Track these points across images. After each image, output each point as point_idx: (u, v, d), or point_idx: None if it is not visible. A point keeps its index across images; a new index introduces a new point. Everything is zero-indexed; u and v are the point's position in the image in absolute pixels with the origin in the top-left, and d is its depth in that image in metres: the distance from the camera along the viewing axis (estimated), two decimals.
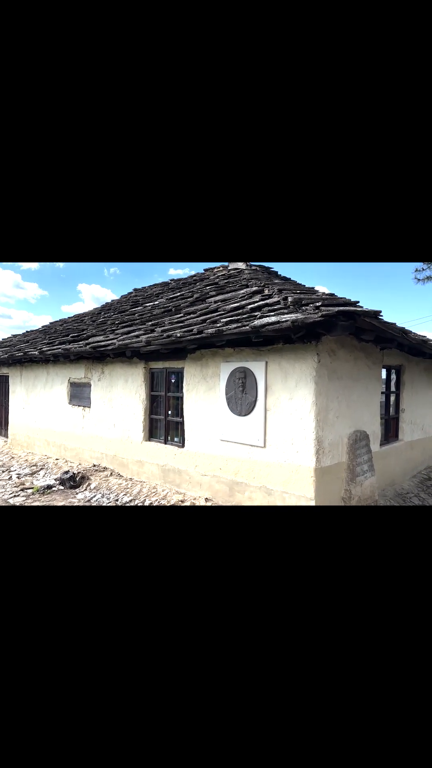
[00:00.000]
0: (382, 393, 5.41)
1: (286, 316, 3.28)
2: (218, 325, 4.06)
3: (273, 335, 3.54)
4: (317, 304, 3.24)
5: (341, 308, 2.96)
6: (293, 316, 3.18)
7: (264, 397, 4.12)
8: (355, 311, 2.97)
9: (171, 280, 9.75)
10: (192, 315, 5.35)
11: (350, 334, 3.80)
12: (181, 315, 5.64)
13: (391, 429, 5.79)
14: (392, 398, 5.73)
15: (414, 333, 4.44)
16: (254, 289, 5.47)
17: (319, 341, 3.72)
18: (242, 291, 5.73)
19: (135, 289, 10.45)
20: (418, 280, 7.28)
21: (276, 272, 7.81)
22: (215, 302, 5.66)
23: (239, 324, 3.75)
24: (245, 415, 4.28)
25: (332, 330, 3.13)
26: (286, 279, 7.58)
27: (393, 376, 5.74)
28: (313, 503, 3.71)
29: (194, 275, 9.16)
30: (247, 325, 3.58)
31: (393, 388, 5.76)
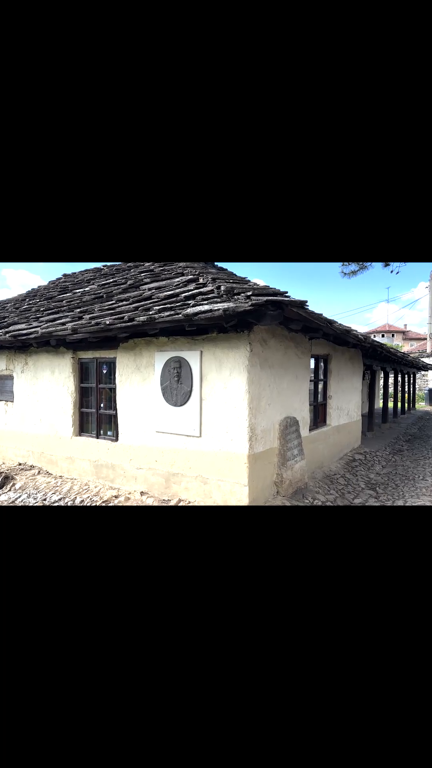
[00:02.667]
0: (311, 381, 5.70)
1: (218, 305, 3.26)
2: (151, 312, 3.92)
3: (206, 324, 3.51)
4: (248, 293, 3.26)
5: (270, 298, 3.02)
6: (225, 305, 3.17)
7: (199, 386, 4.09)
8: (283, 301, 3.05)
9: (104, 266, 9.23)
10: (124, 302, 5.11)
11: (280, 324, 3.91)
12: (113, 302, 5.37)
13: (319, 415, 6.15)
14: (320, 386, 6.07)
15: (339, 323, 4.72)
16: (189, 277, 5.38)
17: (251, 331, 3.78)
18: (177, 279, 5.60)
19: (64, 275, 9.73)
20: (345, 273, 7.75)
21: (212, 262, 7.79)
22: (149, 289, 5.47)
23: (172, 312, 3.66)
24: (181, 405, 4.22)
25: (262, 319, 3.19)
26: (221, 269, 7.59)
27: (321, 365, 6.08)
28: (246, 489, 3.79)
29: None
30: (180, 313, 3.50)
31: (321, 376, 6.10)
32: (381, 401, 11.25)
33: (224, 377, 3.93)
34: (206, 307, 3.32)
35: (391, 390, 15.54)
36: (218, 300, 3.64)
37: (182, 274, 5.86)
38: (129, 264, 8.53)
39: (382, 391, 12.40)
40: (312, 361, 5.72)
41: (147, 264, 7.72)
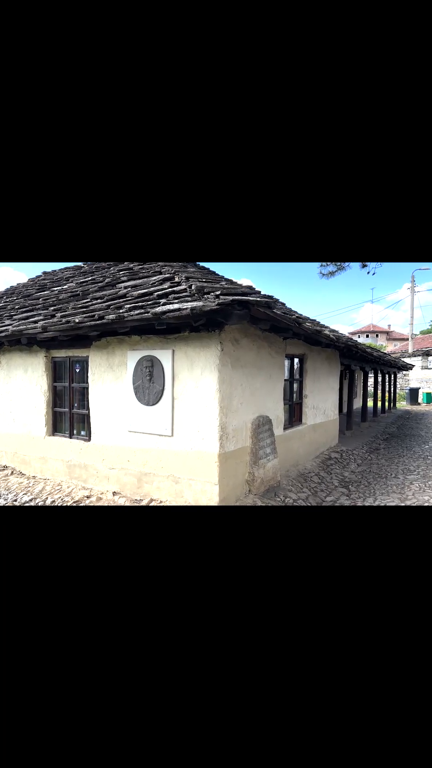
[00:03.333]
0: (286, 380, 5.75)
1: (187, 304, 3.26)
2: (121, 311, 3.89)
3: (175, 323, 3.50)
4: (217, 292, 3.27)
5: (236, 297, 3.03)
6: (193, 304, 3.17)
7: (171, 385, 4.08)
8: (249, 300, 3.06)
9: (85, 264, 9.13)
10: (99, 300, 5.06)
11: (251, 324, 3.94)
12: (88, 300, 5.31)
13: (295, 414, 6.21)
14: (296, 385, 6.13)
15: (310, 323, 4.77)
16: (165, 276, 5.36)
17: (223, 330, 3.79)
18: (154, 278, 5.58)
19: (44, 272, 9.59)
20: (323, 274, 7.84)
21: (194, 262, 7.76)
22: (125, 288, 5.43)
23: (142, 310, 3.64)
24: (153, 404, 4.21)
25: (229, 318, 3.20)
26: (203, 269, 7.57)
27: (297, 365, 6.14)
28: (216, 488, 3.80)
29: None
30: (149, 311, 3.48)
31: (297, 376, 6.16)
32: (363, 401, 11.44)
33: (196, 376, 3.93)
34: (175, 306, 3.32)
35: (371, 389, 15.79)
36: (189, 299, 3.64)
37: (160, 273, 5.83)
38: (110, 262, 8.46)
39: (361, 391, 12.60)
40: (287, 361, 5.77)
41: (126, 262, 7.67)
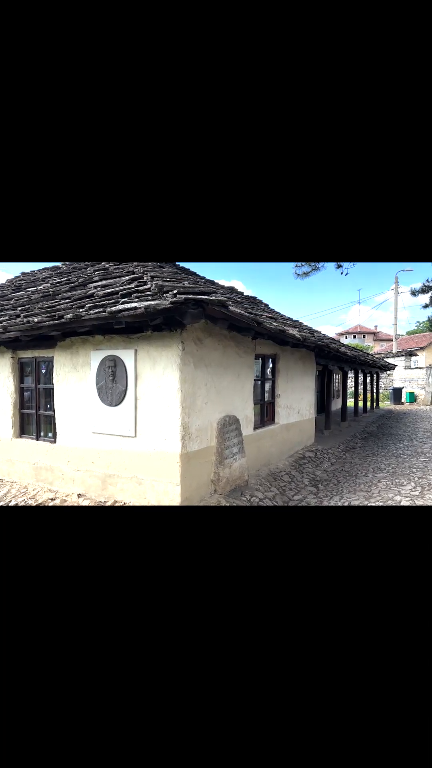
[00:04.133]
0: (257, 380, 5.76)
1: (142, 302, 3.23)
2: (81, 310, 3.85)
3: (132, 321, 3.47)
4: (174, 291, 3.25)
5: (189, 296, 3.02)
6: (146, 302, 3.15)
7: (134, 385, 4.05)
8: (203, 299, 3.05)
9: (64, 264, 9.04)
10: (66, 300, 5.00)
11: (212, 323, 3.92)
12: (56, 300, 5.24)
13: (268, 413, 6.22)
14: (268, 385, 6.15)
15: (275, 323, 4.78)
16: (136, 275, 5.33)
17: (184, 329, 3.77)
18: (125, 278, 5.54)
19: (23, 273, 9.47)
20: (298, 275, 7.90)
21: (174, 262, 7.74)
22: (95, 287, 5.38)
23: (100, 309, 3.60)
24: (116, 405, 4.17)
25: (184, 317, 3.18)
26: (183, 269, 7.54)
27: (269, 364, 6.16)
28: (178, 489, 3.78)
29: None
30: (106, 310, 3.45)
31: (269, 375, 6.18)
32: (348, 400, 11.53)
33: (158, 376, 3.91)
34: (131, 305, 3.29)
35: (352, 389, 15.96)
36: (150, 298, 3.61)
37: (132, 273, 5.80)
38: (87, 263, 8.38)
39: (341, 390, 12.71)
40: (258, 361, 5.78)
41: (104, 263, 7.61)
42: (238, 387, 4.94)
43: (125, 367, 4.08)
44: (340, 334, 54.58)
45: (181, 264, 8.16)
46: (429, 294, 9.42)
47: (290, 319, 12.24)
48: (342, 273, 8.00)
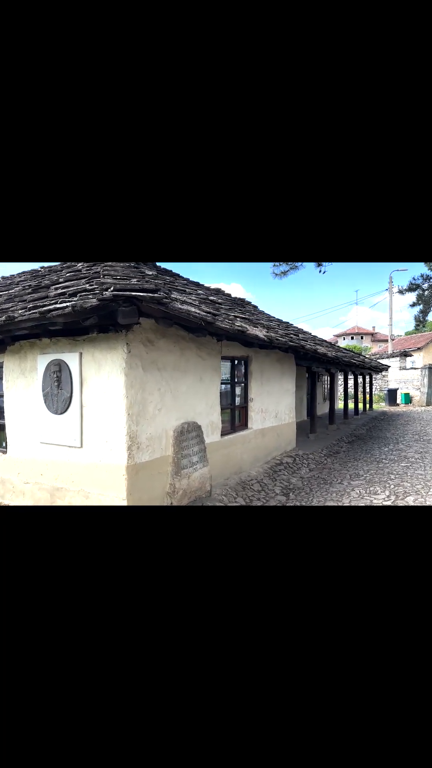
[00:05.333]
0: (226, 383, 5.48)
1: (71, 301, 2.96)
2: (17, 312, 3.58)
3: (64, 321, 3.20)
4: (110, 289, 2.98)
5: (119, 293, 2.74)
6: (74, 301, 2.88)
7: (80, 392, 3.77)
8: (135, 296, 2.78)
9: (42, 267, 8.83)
10: (22, 303, 4.75)
11: (164, 323, 3.65)
12: (12, 304, 4.99)
13: (241, 418, 5.93)
14: (240, 388, 5.87)
15: (235, 324, 4.49)
16: (94, 276, 5.07)
17: (130, 330, 3.50)
18: (84, 280, 5.29)
19: (2, 277, 9.28)
20: (276, 274, 7.65)
21: (155, 263, 7.48)
22: (56, 290, 5.12)
23: (34, 311, 3.33)
24: (61, 413, 3.88)
25: (116, 316, 2.91)
26: (165, 271, 7.25)
27: (241, 367, 5.88)
28: (125, 504, 3.48)
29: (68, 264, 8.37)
30: (38, 311, 3.18)
31: (241, 379, 5.90)
32: (331, 403, 11.23)
33: (103, 381, 3.63)
34: (60, 305, 3.02)
35: (345, 391, 15.68)
36: (90, 297, 3.34)
37: (98, 274, 5.54)
38: (65, 265, 8.14)
39: (327, 393, 12.43)
40: (227, 363, 5.50)
41: (79, 264, 7.36)
42: (202, 391, 4.65)
43: (70, 371, 3.81)
44: (338, 336, 54.38)
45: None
46: (416, 292, 9.15)
47: (279, 321, 12.02)
48: (320, 272, 7.73)
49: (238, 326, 4.25)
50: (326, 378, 13.66)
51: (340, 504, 4.43)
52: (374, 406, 18.84)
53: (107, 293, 2.73)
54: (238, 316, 6.06)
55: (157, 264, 7.58)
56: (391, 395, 19.31)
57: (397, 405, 19.12)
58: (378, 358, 23.21)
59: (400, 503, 4.26)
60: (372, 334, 54.87)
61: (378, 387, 22.52)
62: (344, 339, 52.50)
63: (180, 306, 3.29)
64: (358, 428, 11.09)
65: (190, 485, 4.16)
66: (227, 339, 4.81)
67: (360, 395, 14.20)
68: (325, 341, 13.80)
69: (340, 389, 19.37)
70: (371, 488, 4.96)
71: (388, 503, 4.30)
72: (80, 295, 3.39)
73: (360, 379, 15.55)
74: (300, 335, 9.86)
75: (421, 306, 8.83)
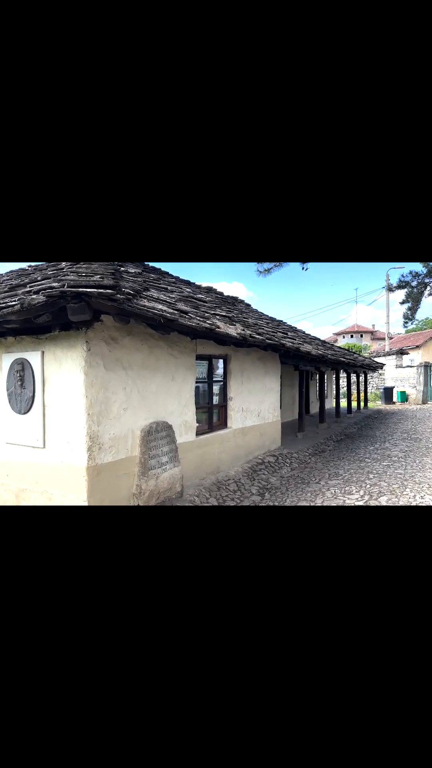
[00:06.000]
0: (204, 382, 5.40)
1: (20, 298, 2.88)
2: None
3: (15, 320, 3.12)
4: (64, 286, 2.90)
5: (68, 290, 2.66)
6: (22, 297, 2.80)
7: (42, 391, 3.69)
8: (85, 292, 2.70)
9: (29, 266, 8.75)
10: None
11: (129, 320, 3.57)
12: None
13: (220, 417, 5.85)
14: (218, 387, 5.78)
15: (203, 321, 4.40)
16: (65, 272, 4.99)
17: (91, 328, 3.42)
18: (56, 278, 5.21)
19: None
20: (260, 272, 7.57)
21: (144, 262, 7.40)
22: (27, 288, 5.05)
23: None
24: (25, 412, 3.81)
25: (66, 313, 2.83)
26: (153, 269, 7.15)
27: (218, 366, 5.79)
28: (86, 504, 3.41)
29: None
30: None
31: (220, 377, 5.81)
32: (321, 401, 11.13)
33: (64, 380, 3.55)
34: (11, 302, 2.94)
35: (337, 389, 15.55)
36: (37, 295, 3.26)
37: (75, 271, 5.47)
38: (51, 264, 8.07)
39: (318, 390, 12.33)
40: (205, 362, 5.42)
41: (63, 264, 7.28)
42: (174, 390, 4.57)
43: (32, 370, 3.73)
44: (338, 334, 54.19)
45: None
46: (405, 290, 9.03)
47: (271, 319, 11.91)
48: (303, 269, 7.63)
49: (208, 324, 4.16)
50: (314, 376, 13.55)
51: (313, 504, 4.35)
52: (371, 404, 18.73)
53: (55, 290, 2.65)
54: (218, 314, 5.97)
55: (147, 263, 7.50)
56: (388, 393, 19.17)
57: (393, 403, 18.98)
58: (374, 356, 23.06)
59: (373, 503, 4.17)
60: (372, 332, 54.62)
61: (375, 385, 22.37)
62: (344, 337, 52.29)
63: (139, 303, 3.21)
64: (349, 427, 10.99)
65: (158, 486, 4.08)
66: (200, 337, 4.72)
67: (355, 394, 14.10)
68: (318, 339, 13.68)
69: (344, 388, 19.23)
70: (347, 488, 4.86)
71: (361, 503, 4.21)
72: (34, 293, 3.32)
73: (355, 378, 15.43)
74: (290, 333, 9.76)
75: (410, 303, 8.72)
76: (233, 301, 11.85)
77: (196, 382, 5.23)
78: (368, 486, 4.89)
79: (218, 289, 8.96)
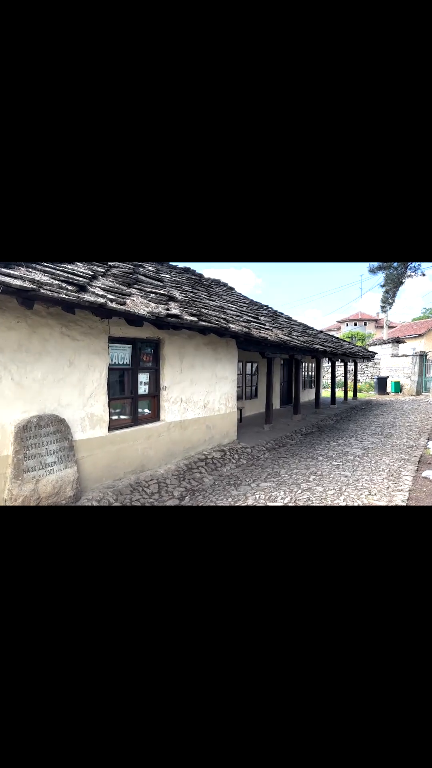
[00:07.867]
0: (127, 369, 4.76)
1: None
2: None
3: None
4: None
5: None
6: None
7: None
8: None
9: None
10: None
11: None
12: None
13: (152, 408, 5.23)
14: (146, 375, 5.14)
15: (94, 297, 3.71)
16: None
17: None
18: None
19: None
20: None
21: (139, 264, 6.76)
22: None
23: None
24: None
25: None
26: (141, 264, 6.49)
27: (147, 350, 5.14)
28: None
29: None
30: None
31: (150, 364, 5.16)
32: (296, 391, 10.43)
33: None
34: None
35: (317, 379, 14.87)
36: None
37: None
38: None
39: (293, 379, 11.63)
40: (127, 347, 4.77)
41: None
42: (73, 378, 3.94)
43: None
44: (341, 322, 53.03)
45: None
46: (384, 272, 8.22)
47: (251, 302, 11.22)
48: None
49: (97, 300, 3.48)
50: (306, 365, 12.79)
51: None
52: (362, 395, 17.94)
53: None
54: (163, 294, 5.28)
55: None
56: (381, 383, 18.35)
57: (387, 393, 18.17)
58: (371, 345, 22.12)
59: None
60: (375, 320, 53.33)
61: (369, 375, 21.52)
62: (347, 325, 51.11)
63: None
64: (326, 419, 10.31)
65: (38, 491, 3.48)
66: (103, 316, 4.05)
67: (332, 384, 13.34)
68: (303, 324, 12.88)
69: (339, 378, 18.38)
70: (275, 492, 4.22)
71: None
72: None
73: (344, 367, 14.66)
74: (260, 318, 9.03)
75: (389, 286, 7.92)
76: (215, 284, 11.13)
77: (115, 369, 4.60)
78: (300, 491, 4.25)
79: (197, 271, 8.43)
